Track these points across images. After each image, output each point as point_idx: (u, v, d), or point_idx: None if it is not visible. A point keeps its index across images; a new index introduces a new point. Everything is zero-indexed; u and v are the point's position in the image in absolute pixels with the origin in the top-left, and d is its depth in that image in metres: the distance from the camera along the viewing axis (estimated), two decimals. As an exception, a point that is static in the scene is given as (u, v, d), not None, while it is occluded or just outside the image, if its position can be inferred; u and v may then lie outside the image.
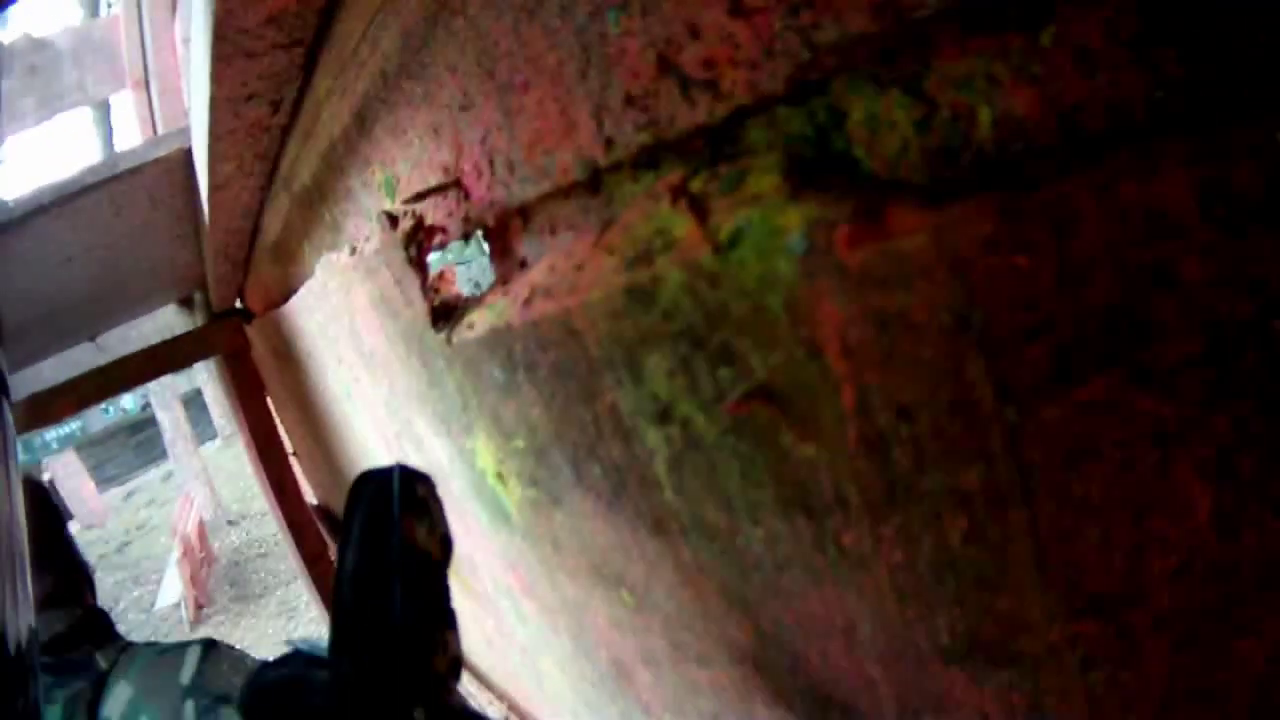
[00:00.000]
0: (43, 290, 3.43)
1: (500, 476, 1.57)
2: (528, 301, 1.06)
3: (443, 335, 1.36)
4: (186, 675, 2.47)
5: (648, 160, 0.91)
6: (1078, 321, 0.61)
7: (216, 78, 1.60)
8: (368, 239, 1.56)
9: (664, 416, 0.96)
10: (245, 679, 2.27)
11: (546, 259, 1.09)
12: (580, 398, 1.09)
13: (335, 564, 1.13)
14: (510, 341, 1.14)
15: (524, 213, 1.19)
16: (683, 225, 0.78)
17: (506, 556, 1.92)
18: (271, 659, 2.41)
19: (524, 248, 1.23)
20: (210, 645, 2.54)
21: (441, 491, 2.11)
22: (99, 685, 2.39)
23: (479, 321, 1.23)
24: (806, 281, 0.69)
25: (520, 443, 1.36)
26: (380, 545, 1.06)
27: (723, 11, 0.73)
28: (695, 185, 0.79)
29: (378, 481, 1.10)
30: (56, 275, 3.33)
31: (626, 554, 1.27)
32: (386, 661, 1.02)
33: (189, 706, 2.37)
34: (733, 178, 0.75)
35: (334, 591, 1.09)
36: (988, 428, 0.67)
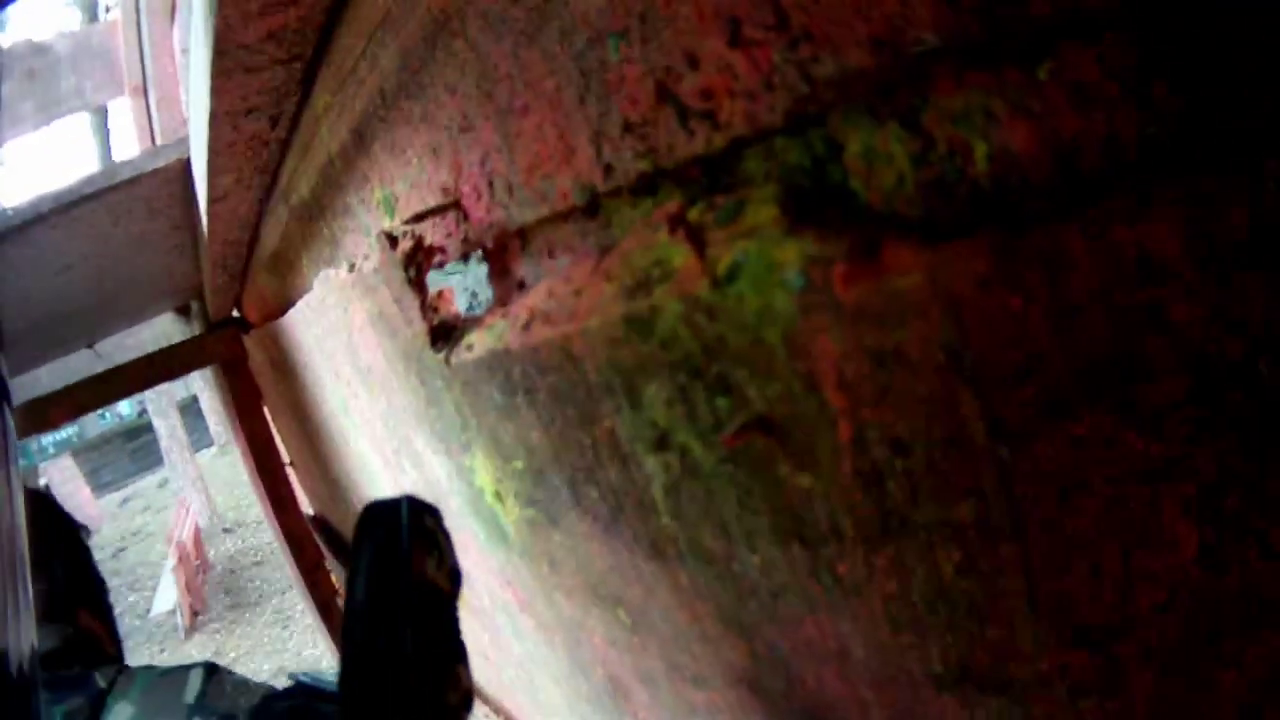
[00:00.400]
0: (40, 298, 3.44)
1: (498, 495, 1.57)
2: (527, 326, 1.07)
3: (441, 355, 1.36)
4: (190, 694, 2.45)
5: (646, 187, 0.91)
6: (1068, 360, 0.61)
7: (216, 92, 1.60)
8: (366, 257, 1.56)
9: (662, 443, 0.96)
10: (251, 709, 2.30)
11: (545, 282, 1.09)
12: (579, 422, 1.09)
13: (345, 596, 1.12)
14: (509, 365, 1.14)
15: (523, 235, 1.19)
16: (681, 256, 0.78)
17: (503, 573, 1.92)
18: (278, 689, 2.43)
19: (523, 269, 1.23)
20: (212, 668, 2.55)
21: (439, 509, 2.11)
22: (97, 703, 2.33)
23: (478, 343, 1.23)
24: (804, 317, 0.69)
25: (519, 463, 1.36)
26: (390, 579, 1.06)
27: (722, 42, 0.73)
28: (693, 215, 0.79)
29: (386, 513, 1.09)
30: (54, 283, 3.34)
31: (623, 576, 1.27)
32: (398, 696, 1.02)
33: None
34: (730, 209, 0.75)
35: (344, 625, 1.09)
36: (981, 463, 0.67)
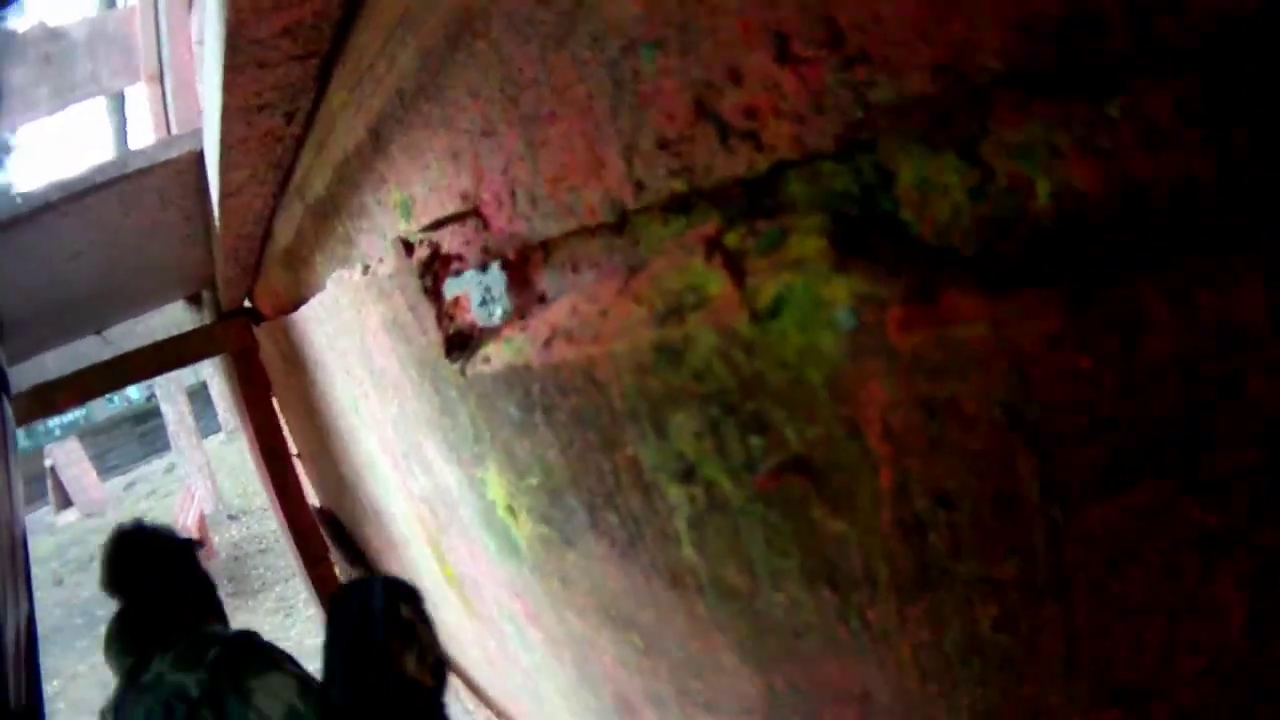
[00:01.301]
0: (50, 284, 3.44)
1: (511, 510, 1.53)
2: (548, 343, 1.02)
3: (457, 365, 1.32)
4: (211, 654, 2.72)
5: (680, 206, 0.86)
6: (1136, 427, 0.57)
7: (228, 87, 1.58)
8: (381, 260, 1.52)
9: (688, 475, 0.92)
10: (248, 676, 2.54)
11: (568, 298, 1.05)
12: (600, 446, 1.05)
13: (323, 696, 1.09)
14: (528, 381, 1.10)
15: (546, 247, 1.15)
16: (717, 283, 0.74)
17: (513, 585, 1.88)
18: (294, 672, 2.59)
19: (544, 282, 1.19)
20: (244, 636, 2.94)
21: (449, 517, 2.08)
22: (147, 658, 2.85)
23: (495, 355, 1.19)
24: (852, 360, 0.65)
25: (534, 481, 1.32)
26: (368, 679, 1.02)
27: (769, 58, 0.69)
28: (731, 240, 0.75)
29: (359, 603, 1.05)
30: (64, 270, 3.33)
31: (638, 600, 1.23)
32: None
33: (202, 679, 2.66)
34: (773, 237, 0.71)
35: None
36: (1031, 523, 0.63)
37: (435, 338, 1.36)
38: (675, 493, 0.96)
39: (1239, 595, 0.59)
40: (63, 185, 2.66)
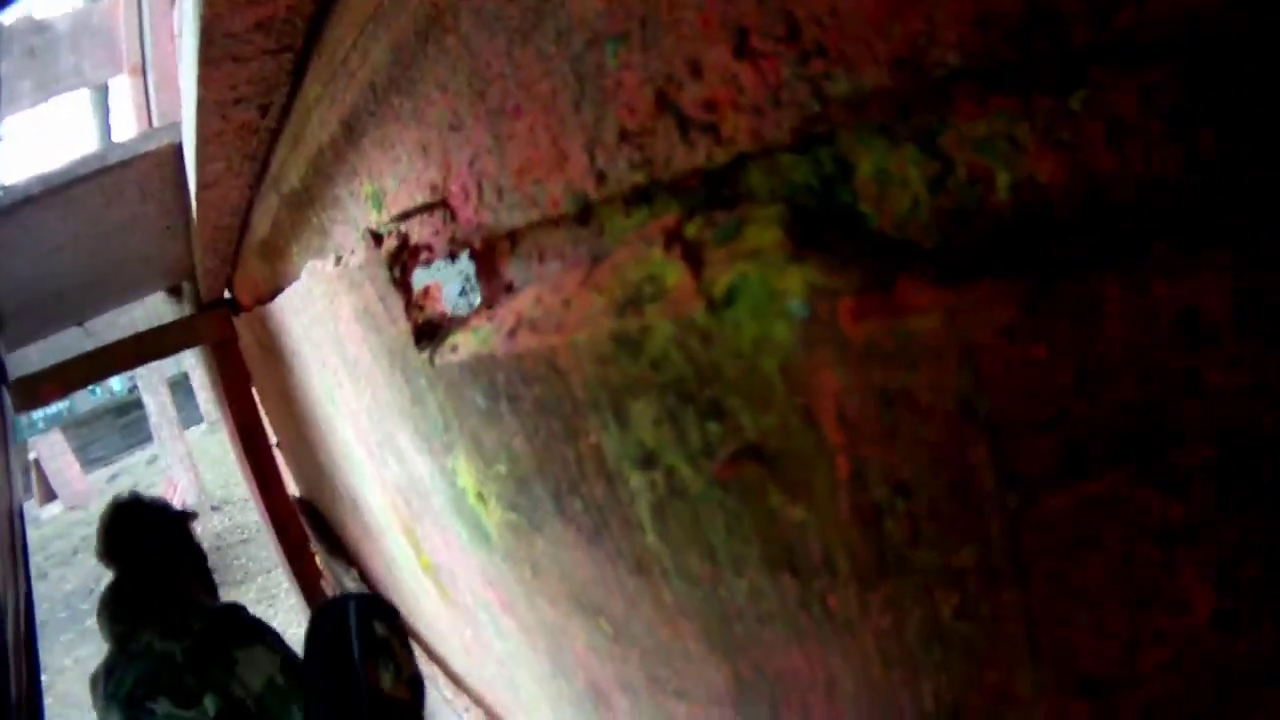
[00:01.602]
0: (31, 277, 3.44)
1: (481, 497, 1.54)
2: (512, 332, 1.03)
3: (425, 355, 1.33)
4: (198, 625, 3.00)
5: (641, 198, 0.87)
6: (1092, 418, 0.57)
7: (204, 81, 1.58)
8: (353, 251, 1.53)
9: (648, 463, 0.92)
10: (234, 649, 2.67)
11: (533, 288, 1.05)
12: (563, 435, 1.05)
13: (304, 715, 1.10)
14: (493, 370, 1.11)
15: (512, 237, 1.15)
16: (675, 274, 0.74)
17: (485, 573, 1.88)
18: (276, 646, 2.70)
19: (511, 271, 1.19)
20: (232, 609, 3.25)
21: (423, 506, 2.09)
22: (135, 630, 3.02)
23: (462, 345, 1.19)
24: (805, 349, 0.66)
25: (501, 469, 1.32)
26: (346, 698, 1.02)
27: (728, 52, 0.69)
28: (690, 230, 0.75)
29: (335, 621, 1.06)
30: (45, 263, 3.33)
31: (606, 588, 1.23)
32: None
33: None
34: (730, 227, 0.71)
35: None
36: (986, 511, 0.64)
37: (404, 327, 1.36)
38: (637, 480, 0.96)
39: (1204, 587, 0.60)
40: (43, 178, 2.68)
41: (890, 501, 0.69)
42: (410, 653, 1.30)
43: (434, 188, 1.30)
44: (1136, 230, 0.53)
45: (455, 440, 1.47)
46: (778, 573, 0.86)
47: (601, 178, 0.91)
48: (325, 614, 1.16)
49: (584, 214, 0.97)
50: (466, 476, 1.54)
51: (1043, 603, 0.66)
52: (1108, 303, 0.54)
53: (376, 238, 1.32)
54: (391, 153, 1.42)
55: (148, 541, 3.25)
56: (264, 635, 3.05)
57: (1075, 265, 0.55)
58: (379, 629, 1.11)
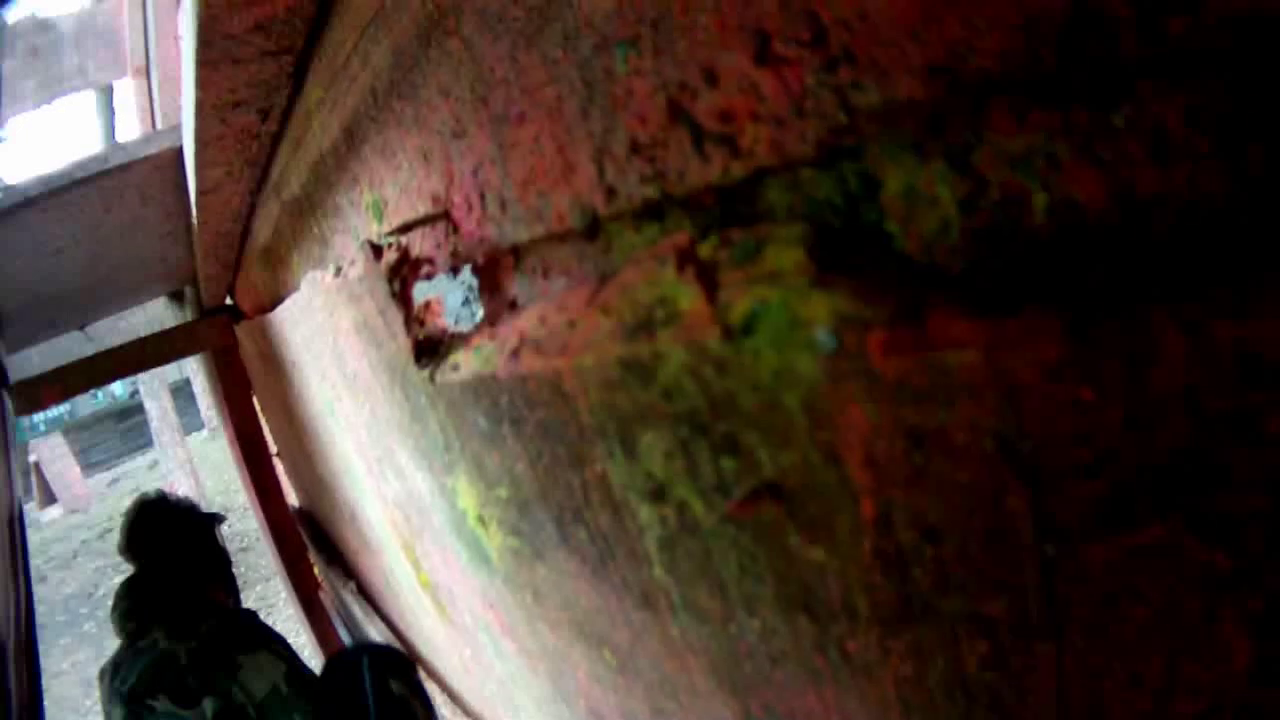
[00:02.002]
0: (31, 280, 3.43)
1: (481, 520, 1.49)
2: (515, 352, 0.98)
3: (426, 372, 1.28)
4: (206, 627, 2.98)
5: (652, 214, 0.82)
6: (1139, 464, 0.52)
7: (202, 83, 1.55)
8: (352, 263, 1.49)
9: (658, 495, 0.87)
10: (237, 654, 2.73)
11: (537, 306, 1.01)
12: (568, 461, 1.01)
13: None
14: (495, 392, 1.06)
15: (516, 252, 1.11)
16: (689, 297, 0.69)
17: (486, 595, 1.84)
18: (284, 655, 2.78)
19: (515, 287, 1.15)
20: (240, 614, 3.22)
21: (422, 523, 2.05)
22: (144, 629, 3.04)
23: (464, 364, 1.15)
24: (831, 384, 0.61)
25: (503, 493, 1.28)
26: None
27: (747, 58, 0.64)
28: (704, 250, 0.70)
29: (348, 677, 1.02)
30: (45, 266, 3.32)
31: (610, 619, 1.19)
32: None
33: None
34: (748, 247, 0.66)
35: None
36: (1022, 560, 0.59)
37: (404, 343, 1.32)
38: (645, 513, 0.92)
39: (1244, 637, 0.55)
40: (43, 180, 2.65)
41: (918, 546, 0.64)
42: (430, 709, 1.27)
43: (436, 198, 1.26)
44: (1183, 255, 0.48)
45: (456, 461, 1.42)
46: (793, 614, 0.81)
47: (610, 192, 0.86)
48: (338, 668, 1.12)
49: (591, 229, 0.92)
50: (467, 498, 1.50)
51: (1076, 654, 0.61)
52: (1161, 342, 0.49)
53: (376, 250, 1.28)
54: (393, 160, 1.38)
55: (169, 541, 3.27)
56: (271, 642, 3.09)
57: (1119, 296, 0.49)
58: (395, 687, 1.07)
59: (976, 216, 0.56)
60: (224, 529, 3.55)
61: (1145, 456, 0.51)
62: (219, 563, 3.48)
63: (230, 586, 3.50)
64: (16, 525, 2.65)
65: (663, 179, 0.78)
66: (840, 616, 0.75)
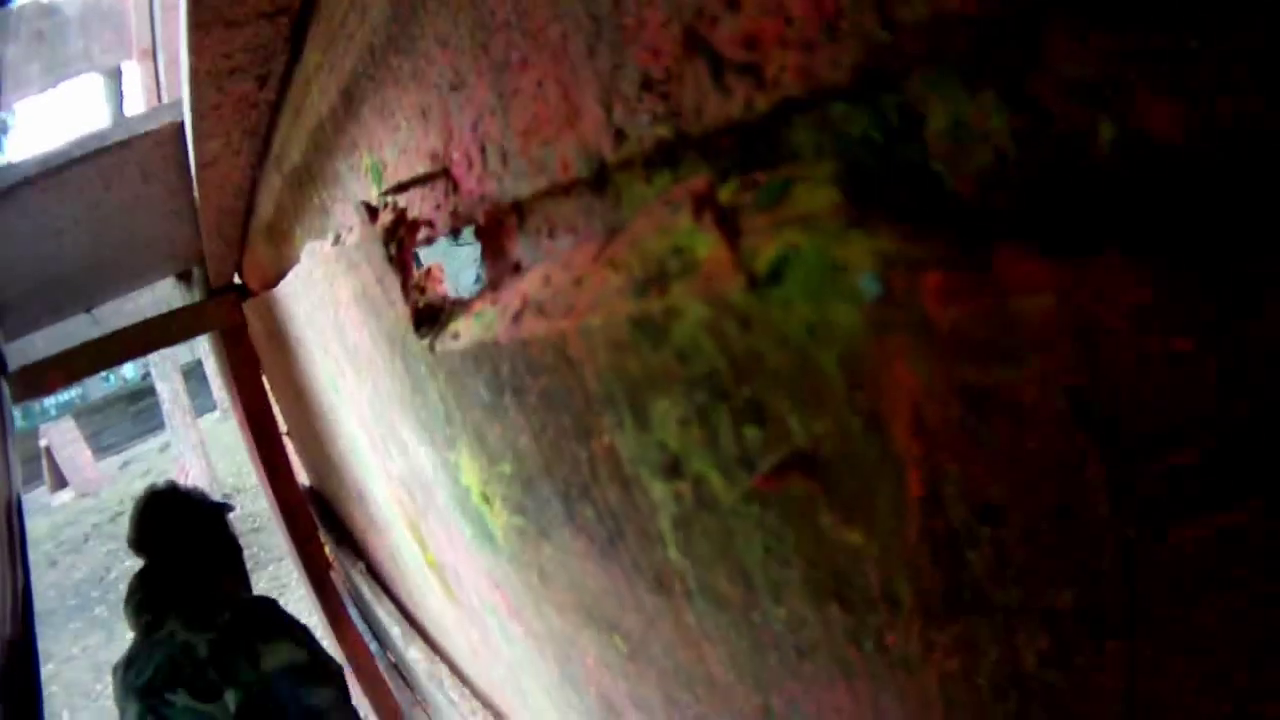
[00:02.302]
0: (33, 262, 3.39)
1: (485, 497, 1.43)
2: (517, 316, 0.91)
3: (425, 341, 1.22)
4: (222, 620, 3.08)
5: (666, 158, 0.74)
6: (1242, 430, 0.44)
7: (196, 48, 1.49)
8: (350, 229, 1.42)
9: (673, 470, 0.80)
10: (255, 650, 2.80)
11: (542, 266, 0.93)
12: (574, 433, 0.94)
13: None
14: (496, 359, 0.99)
15: (519, 210, 1.04)
16: (707, 245, 0.62)
17: (491, 575, 1.78)
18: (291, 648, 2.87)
19: (519, 249, 1.08)
20: (259, 603, 3.36)
21: (426, 501, 1.99)
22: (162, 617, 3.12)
23: (464, 331, 1.08)
24: (875, 337, 0.53)
25: (506, 468, 1.21)
26: None
27: (772, -24, 0.57)
28: (725, 194, 0.63)
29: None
30: (46, 247, 3.27)
31: (620, 602, 1.12)
32: None
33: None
34: (774, 189, 0.59)
35: None
36: (1098, 544, 0.51)
37: (403, 311, 1.25)
38: (659, 489, 0.84)
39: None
40: (41, 160, 2.59)
41: (973, 527, 0.56)
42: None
43: (434, 156, 1.19)
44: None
45: (458, 435, 1.36)
46: (825, 602, 0.73)
47: (619, 136, 0.78)
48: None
49: (599, 179, 0.84)
50: (470, 474, 1.44)
51: (1151, 650, 0.53)
52: (1265, 291, 0.41)
53: (371, 211, 1.21)
54: (391, 120, 1.31)
55: (179, 531, 3.31)
56: (292, 630, 3.11)
57: (1206, 239, 0.42)
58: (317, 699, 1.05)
59: (1035, 151, 0.49)
60: (236, 510, 3.60)
61: (1248, 421, 0.44)
62: (231, 552, 3.51)
63: (242, 575, 3.54)
64: (15, 517, 2.62)
65: (677, 117, 0.70)
66: (879, 606, 0.68)
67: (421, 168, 1.24)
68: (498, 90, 0.94)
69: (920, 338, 0.51)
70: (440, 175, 1.17)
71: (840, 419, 0.59)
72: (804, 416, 0.61)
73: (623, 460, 0.87)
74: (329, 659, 3.15)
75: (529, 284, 0.93)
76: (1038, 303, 0.45)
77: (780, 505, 0.69)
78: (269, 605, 3.19)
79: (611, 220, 0.85)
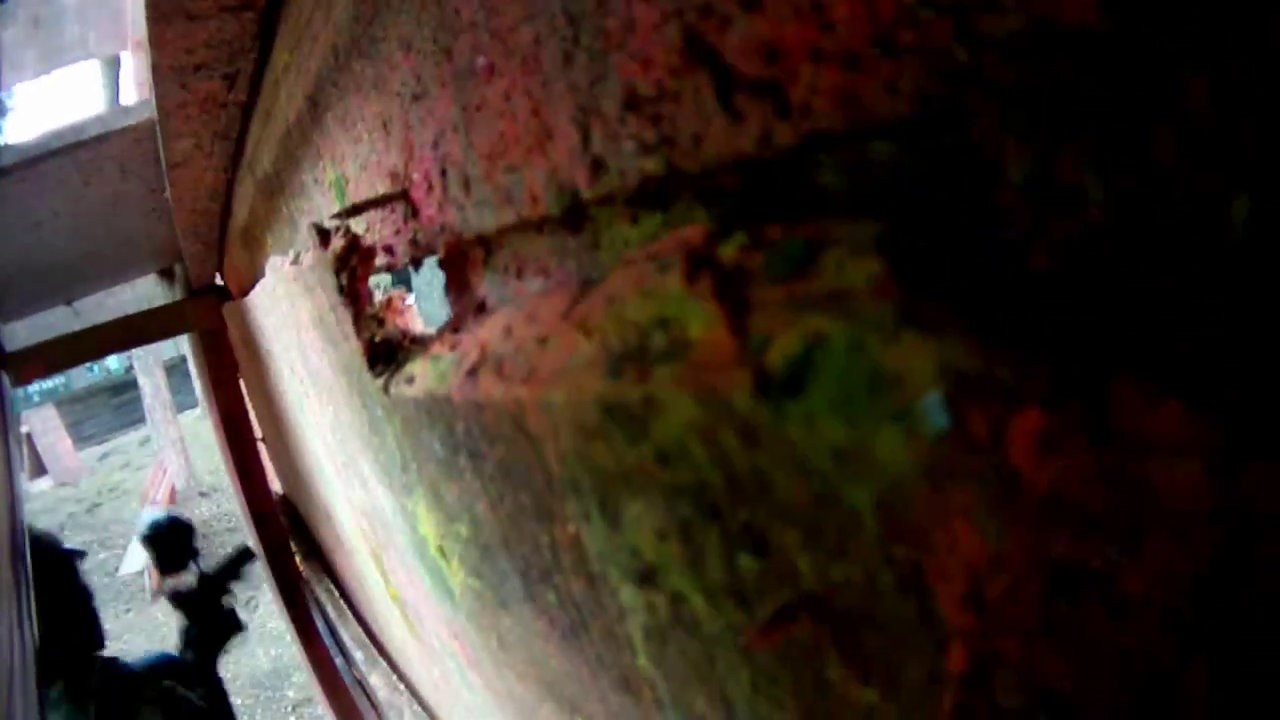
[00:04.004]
0: (11, 253, 3.33)
1: (442, 552, 1.30)
2: (473, 371, 0.77)
3: (380, 381, 1.08)
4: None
5: (653, 197, 0.59)
6: None
7: (156, 42, 1.38)
8: (307, 249, 1.30)
9: (646, 579, 0.65)
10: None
11: (504, 313, 0.80)
12: (534, 513, 0.80)
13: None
14: (450, 417, 0.86)
15: (485, 243, 0.89)
16: (701, 320, 0.47)
17: (451, 626, 1.66)
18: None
19: (485, 286, 0.94)
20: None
21: (387, 538, 1.88)
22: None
23: (419, 376, 0.95)
24: (931, 483, 0.38)
25: (462, 530, 1.08)
26: None
27: (808, -35, 0.42)
28: (727, 252, 0.48)
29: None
30: (23, 239, 3.22)
31: (584, 690, 0.99)
32: None
33: None
34: (794, 252, 0.44)
35: None
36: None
37: (356, 345, 1.12)
38: (629, 594, 0.70)
39: None
40: (16, 149, 2.51)
41: (1029, 716, 0.42)
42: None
43: (394, 175, 1.05)
44: None
45: (415, 484, 1.23)
46: (826, 758, 0.59)
47: (597, 166, 0.63)
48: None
49: (573, 216, 0.69)
50: (427, 525, 1.31)
51: None
52: None
53: (323, 234, 1.08)
54: (353, 131, 1.18)
55: (39, 585, 3.12)
56: (155, 683, 3.10)
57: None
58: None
59: (1145, 221, 0.34)
60: (212, 508, 3.63)
61: None
62: (81, 604, 3.42)
63: (96, 628, 3.45)
64: (18, 511, 2.57)
65: (670, 147, 0.55)
66: (894, 773, 0.53)
67: (382, 187, 1.10)
68: (461, 102, 0.80)
69: (998, 496, 0.36)
70: (399, 198, 1.03)
71: (868, 569, 0.44)
72: (818, 558, 0.47)
73: (588, 554, 0.73)
74: (196, 702, 3.13)
75: (489, 333, 0.80)
76: (1180, 470, 0.31)
77: (780, 645, 0.55)
78: (122, 665, 3.15)
79: (588, 265, 0.71)
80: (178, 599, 4.67)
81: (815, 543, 0.46)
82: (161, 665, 3.36)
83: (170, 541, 3.76)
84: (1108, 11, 0.33)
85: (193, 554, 4.03)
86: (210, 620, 4.13)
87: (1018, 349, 0.35)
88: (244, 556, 4.20)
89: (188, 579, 4.41)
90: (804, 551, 0.47)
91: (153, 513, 4.52)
